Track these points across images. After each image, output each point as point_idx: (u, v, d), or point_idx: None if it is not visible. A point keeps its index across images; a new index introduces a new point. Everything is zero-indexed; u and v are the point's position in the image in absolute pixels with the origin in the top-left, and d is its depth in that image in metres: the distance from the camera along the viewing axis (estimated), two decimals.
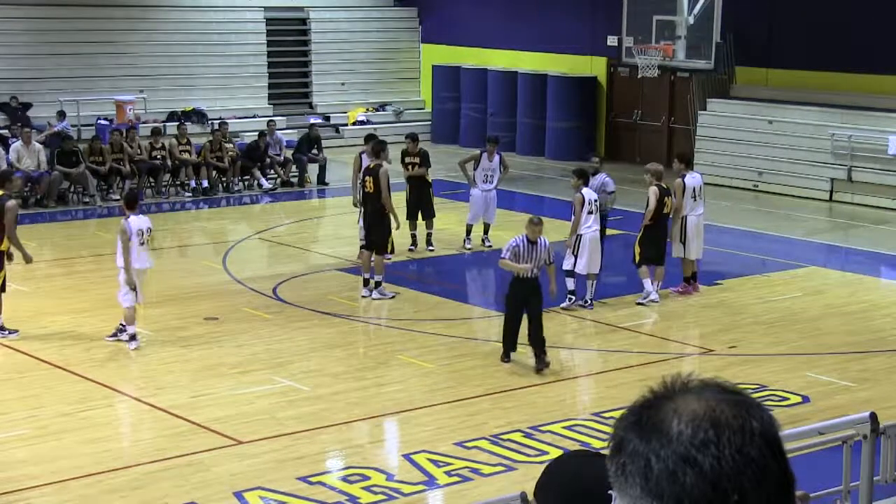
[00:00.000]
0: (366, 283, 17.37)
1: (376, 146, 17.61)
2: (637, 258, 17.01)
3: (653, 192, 16.89)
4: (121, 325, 14.89)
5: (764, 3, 27.09)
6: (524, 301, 14.03)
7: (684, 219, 17.39)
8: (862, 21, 25.42)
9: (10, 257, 15.21)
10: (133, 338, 14.73)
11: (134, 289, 14.50)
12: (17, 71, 28.30)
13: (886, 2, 25.36)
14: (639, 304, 16.97)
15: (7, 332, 15.18)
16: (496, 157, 20.18)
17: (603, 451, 2.46)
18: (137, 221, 14.67)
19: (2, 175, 16.16)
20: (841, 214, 24.29)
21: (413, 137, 20.50)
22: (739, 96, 27.67)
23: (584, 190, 16.62)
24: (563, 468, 2.52)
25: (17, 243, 15.17)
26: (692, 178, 17.60)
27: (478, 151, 20.50)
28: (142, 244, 14.62)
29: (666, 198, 16.88)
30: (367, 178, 17.27)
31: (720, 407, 1.76)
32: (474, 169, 20.08)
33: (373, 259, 17.54)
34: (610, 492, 2.33)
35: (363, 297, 17.30)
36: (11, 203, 15.11)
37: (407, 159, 20.07)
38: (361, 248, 19.03)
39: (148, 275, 15.10)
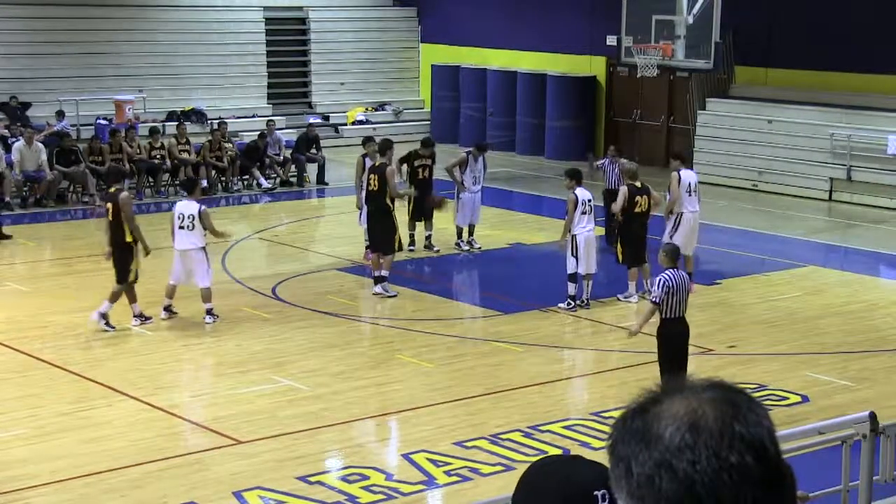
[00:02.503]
0: (377, 280, 17.48)
1: (383, 145, 17.79)
2: (620, 258, 17.03)
3: (622, 191, 16.94)
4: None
5: (763, 3, 27.08)
6: (681, 344, 12.45)
7: (680, 216, 17.40)
8: (862, 21, 25.42)
9: (146, 251, 15.70)
10: (166, 309, 15.98)
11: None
12: (16, 71, 28.30)
13: (886, 2, 25.35)
14: (618, 299, 17.06)
15: (146, 319, 15.73)
16: (480, 158, 20.32)
17: (578, 455, 2.48)
18: (181, 206, 15.73)
19: (115, 172, 17.71)
20: (840, 214, 24.29)
21: (428, 143, 20.51)
22: (739, 96, 27.67)
23: (578, 190, 16.62)
24: (550, 471, 2.52)
25: (139, 236, 15.63)
26: (687, 174, 17.65)
27: (464, 154, 20.47)
28: (181, 227, 15.55)
29: (638, 196, 16.86)
30: (371, 175, 17.35)
31: (703, 409, 1.75)
32: (462, 172, 20.08)
33: (370, 256, 17.78)
34: (596, 492, 2.35)
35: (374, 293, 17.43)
36: (125, 195, 15.77)
37: (418, 162, 19.97)
38: (367, 247, 19.12)
39: (191, 257, 15.64)
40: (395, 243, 17.46)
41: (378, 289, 17.26)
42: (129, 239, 15.47)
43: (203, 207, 15.72)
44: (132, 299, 15.69)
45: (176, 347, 15.12)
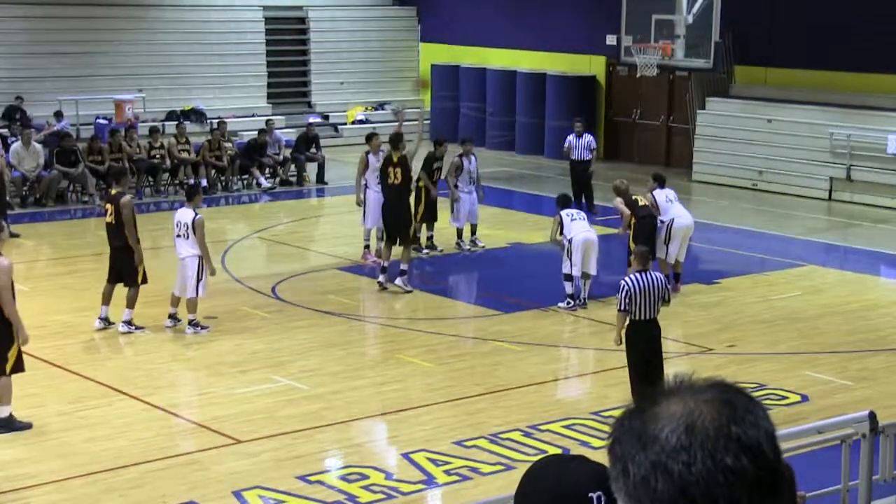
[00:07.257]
0: (383, 270, 17.52)
1: (396, 138, 17.78)
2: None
3: (626, 213, 16.97)
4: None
5: (763, 2, 27.08)
6: (651, 346, 12.20)
7: (671, 222, 17.41)
8: (862, 21, 25.42)
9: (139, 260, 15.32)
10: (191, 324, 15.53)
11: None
12: (16, 70, 28.30)
13: (886, 2, 25.35)
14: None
15: (135, 328, 15.35)
16: (473, 158, 20.15)
17: (580, 455, 2.48)
18: (178, 214, 15.48)
19: (117, 172, 17.02)
20: (840, 213, 24.29)
21: (442, 142, 20.52)
22: (738, 95, 27.66)
23: (563, 212, 16.82)
24: (541, 475, 2.52)
25: (135, 240, 15.24)
26: (661, 191, 17.63)
27: (456, 158, 20.02)
28: (178, 235, 15.30)
29: (640, 198, 17.12)
30: (393, 169, 17.44)
31: (700, 410, 1.74)
32: (458, 174, 19.97)
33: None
34: (591, 494, 2.35)
35: (379, 282, 17.47)
36: (127, 199, 15.35)
37: (436, 164, 19.90)
38: (366, 247, 19.19)
39: (185, 265, 15.29)
40: (412, 233, 17.59)
41: (398, 281, 17.31)
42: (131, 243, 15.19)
43: (198, 217, 15.31)
44: (112, 302, 15.33)
45: (176, 347, 15.12)
